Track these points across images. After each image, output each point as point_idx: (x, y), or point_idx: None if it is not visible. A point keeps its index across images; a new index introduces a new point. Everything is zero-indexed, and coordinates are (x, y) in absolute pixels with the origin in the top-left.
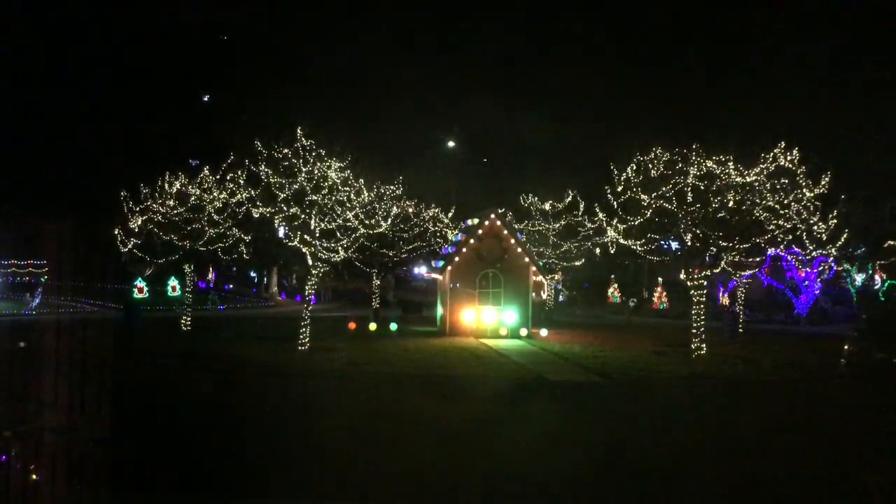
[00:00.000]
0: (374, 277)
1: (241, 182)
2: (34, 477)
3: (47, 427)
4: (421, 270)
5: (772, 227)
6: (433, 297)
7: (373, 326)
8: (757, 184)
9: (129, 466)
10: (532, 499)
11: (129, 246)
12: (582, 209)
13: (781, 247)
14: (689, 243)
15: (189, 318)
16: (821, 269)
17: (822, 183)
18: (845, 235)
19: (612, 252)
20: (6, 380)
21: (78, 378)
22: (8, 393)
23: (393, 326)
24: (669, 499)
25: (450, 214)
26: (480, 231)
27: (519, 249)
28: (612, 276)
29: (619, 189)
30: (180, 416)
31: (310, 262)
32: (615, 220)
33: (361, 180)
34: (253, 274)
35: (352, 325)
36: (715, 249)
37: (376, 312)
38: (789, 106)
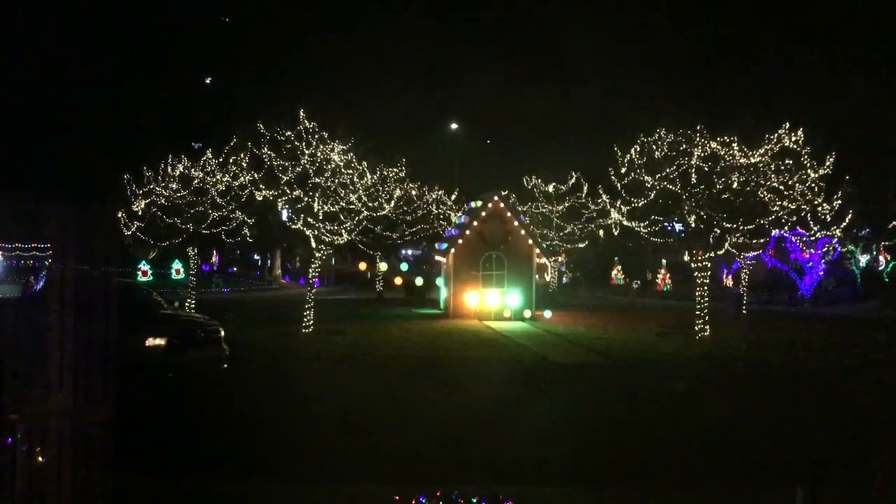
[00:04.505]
0: (378, 260)
1: (244, 165)
2: (40, 459)
3: (52, 410)
4: (417, 252)
5: (776, 208)
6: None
7: (383, 266)
8: (761, 165)
9: (133, 448)
10: (532, 475)
11: (133, 229)
12: (586, 191)
13: (786, 228)
14: (693, 225)
15: (193, 302)
16: (825, 250)
17: (827, 164)
18: (850, 216)
19: (615, 234)
20: (11, 362)
21: (83, 361)
22: (13, 375)
23: (404, 266)
24: (670, 475)
25: (453, 197)
26: (484, 213)
27: (522, 232)
28: (616, 258)
29: (623, 171)
30: (184, 399)
31: (313, 244)
32: (619, 202)
33: (364, 163)
34: (256, 257)
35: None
36: (719, 231)
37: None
38: (794, 86)
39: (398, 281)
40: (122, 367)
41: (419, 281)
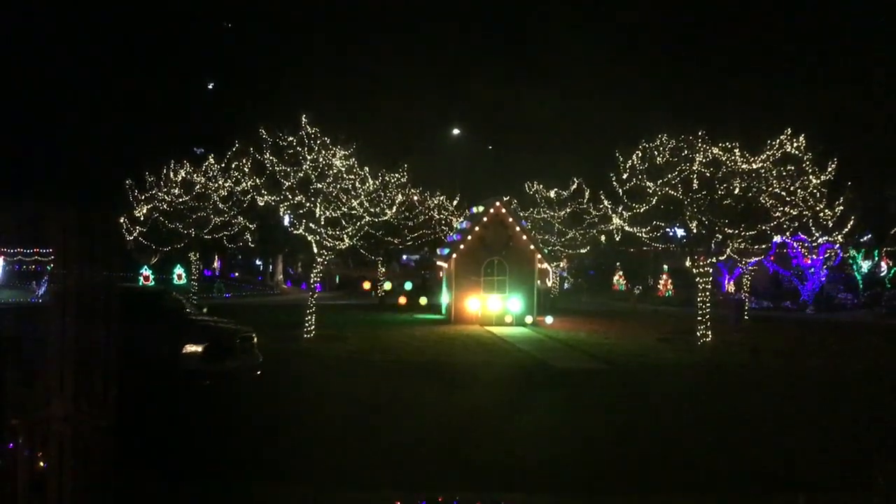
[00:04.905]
0: (380, 265)
1: (246, 170)
2: (42, 464)
3: (54, 415)
4: (415, 257)
5: (778, 213)
6: (437, 284)
7: (388, 286)
8: (763, 171)
9: (134, 453)
10: (531, 480)
11: (135, 234)
12: (587, 197)
13: (787, 234)
14: (695, 231)
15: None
16: (827, 255)
17: (829, 169)
18: (851, 222)
19: (617, 239)
20: (13, 368)
21: (84, 366)
22: (15, 381)
23: (408, 285)
24: (671, 480)
25: (455, 202)
26: (485, 219)
27: (524, 237)
28: (618, 264)
29: (625, 176)
30: (185, 403)
31: (315, 250)
32: (620, 208)
33: (366, 168)
34: (258, 262)
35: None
36: (720, 237)
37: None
38: (796, 91)
39: (402, 300)
40: (157, 373)
41: (423, 301)
